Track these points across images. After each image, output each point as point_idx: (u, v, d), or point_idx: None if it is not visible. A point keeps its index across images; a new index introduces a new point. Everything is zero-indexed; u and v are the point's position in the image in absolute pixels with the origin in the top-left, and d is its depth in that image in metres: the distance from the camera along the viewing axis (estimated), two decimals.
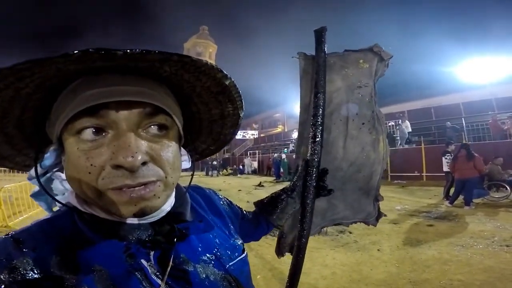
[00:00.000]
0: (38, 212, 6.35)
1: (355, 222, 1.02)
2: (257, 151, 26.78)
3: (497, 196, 7.53)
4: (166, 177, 0.44)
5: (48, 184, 0.51)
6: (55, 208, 0.53)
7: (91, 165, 0.40)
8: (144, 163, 0.41)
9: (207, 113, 0.57)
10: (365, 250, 4.14)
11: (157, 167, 0.43)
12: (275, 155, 20.31)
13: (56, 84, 0.41)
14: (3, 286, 0.37)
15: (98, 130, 0.41)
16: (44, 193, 0.51)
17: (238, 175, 22.51)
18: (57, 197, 0.50)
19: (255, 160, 25.50)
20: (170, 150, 0.45)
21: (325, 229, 1.01)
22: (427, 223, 5.57)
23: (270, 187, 12.84)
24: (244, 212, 0.83)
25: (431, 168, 12.45)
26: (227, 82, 0.48)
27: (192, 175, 0.59)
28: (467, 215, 6.10)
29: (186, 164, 0.59)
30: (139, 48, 0.36)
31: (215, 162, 24.58)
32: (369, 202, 1.00)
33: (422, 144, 13.89)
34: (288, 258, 0.88)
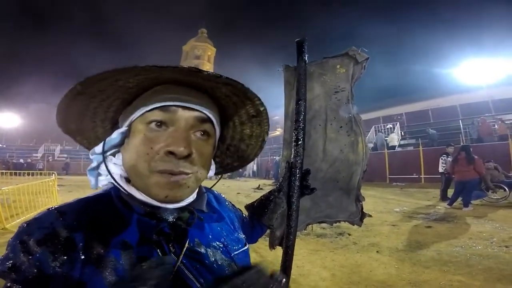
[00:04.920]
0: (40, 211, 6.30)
1: (339, 221, 1.06)
2: None
3: (495, 198, 7.55)
4: (197, 172, 0.55)
5: (100, 164, 0.61)
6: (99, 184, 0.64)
7: (151, 148, 0.51)
8: (188, 156, 0.52)
9: (240, 132, 0.70)
10: (364, 252, 4.13)
11: (195, 163, 0.54)
12: (276, 158, 20.29)
13: (148, 85, 0.55)
14: (43, 248, 0.44)
15: (162, 124, 0.53)
16: (96, 170, 0.62)
17: (237, 178, 22.46)
18: (102, 177, 0.61)
19: (254, 163, 25.44)
20: (207, 153, 0.57)
21: (311, 226, 1.06)
22: (426, 225, 5.58)
23: (268, 190, 12.80)
24: (244, 215, 0.88)
25: (429, 170, 12.50)
26: (261, 109, 0.61)
27: (216, 182, 0.79)
28: (466, 217, 6.11)
29: (211, 172, 0.69)
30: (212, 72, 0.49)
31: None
32: (351, 202, 1.03)
33: (420, 146, 13.94)
34: None
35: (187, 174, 0.53)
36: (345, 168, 0.97)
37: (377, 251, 4.14)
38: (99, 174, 0.62)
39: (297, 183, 0.82)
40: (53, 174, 8.97)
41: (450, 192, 7.74)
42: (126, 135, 0.57)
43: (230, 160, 0.79)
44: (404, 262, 3.68)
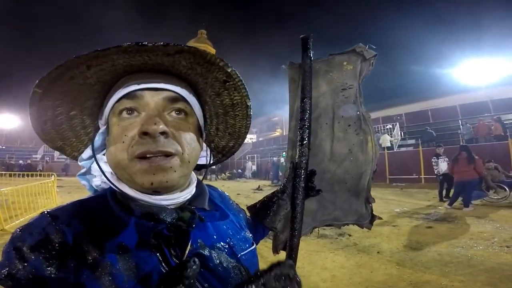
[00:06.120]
0: (34, 216, 6.28)
1: (347, 224, 1.01)
2: (255, 155, 26.76)
3: (496, 197, 7.54)
4: (183, 153, 0.52)
5: (90, 166, 0.61)
6: (94, 183, 0.62)
7: (125, 135, 0.50)
8: (164, 134, 0.50)
9: (221, 105, 0.65)
10: (365, 253, 4.12)
11: (176, 142, 0.52)
12: (274, 158, 20.28)
13: (110, 80, 0.54)
14: (36, 255, 0.42)
15: (133, 111, 0.52)
16: (87, 174, 0.62)
17: (237, 179, 22.43)
18: (95, 178, 0.60)
19: (254, 164, 25.46)
20: (187, 131, 0.55)
21: (317, 229, 1.01)
22: (426, 225, 5.57)
23: (268, 190, 12.78)
24: (247, 216, 0.86)
25: (429, 170, 12.49)
26: (229, 70, 0.55)
27: (207, 168, 0.69)
28: (466, 217, 6.10)
29: (203, 160, 0.67)
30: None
31: (213, 166, 24.40)
32: (360, 204, 0.99)
33: (420, 147, 13.94)
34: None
35: (168, 155, 0.50)
36: (354, 168, 0.94)
37: (378, 252, 4.13)
38: (92, 176, 0.61)
39: (302, 184, 0.79)
40: (53, 175, 8.95)
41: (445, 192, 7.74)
42: (106, 134, 0.56)
43: (224, 142, 0.74)
44: (405, 263, 3.67)
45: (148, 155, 0.49)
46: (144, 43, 0.45)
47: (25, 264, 0.42)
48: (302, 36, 0.84)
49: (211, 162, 0.71)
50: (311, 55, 0.84)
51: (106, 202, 0.54)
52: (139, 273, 0.46)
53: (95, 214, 0.51)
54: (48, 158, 28.38)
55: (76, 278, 0.43)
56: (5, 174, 13.58)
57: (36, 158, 28.76)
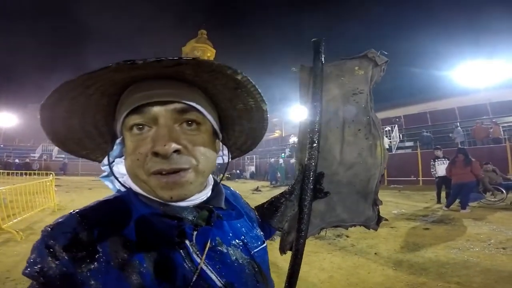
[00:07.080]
0: (32, 215, 6.27)
1: (354, 226, 1.03)
2: (254, 156, 26.77)
3: (493, 200, 7.58)
4: (197, 165, 0.52)
5: (112, 170, 0.62)
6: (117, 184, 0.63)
7: (139, 153, 0.50)
8: (177, 151, 0.49)
9: (233, 109, 0.63)
10: (362, 254, 4.13)
11: (190, 156, 0.51)
12: (271, 160, 20.29)
13: (115, 91, 0.53)
14: (66, 255, 0.43)
15: (144, 126, 0.51)
16: (110, 175, 0.62)
17: (236, 180, 22.42)
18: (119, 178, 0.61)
19: (252, 165, 25.46)
20: (201, 142, 0.53)
21: (323, 231, 1.02)
22: (423, 227, 5.59)
23: (267, 191, 12.81)
24: (256, 215, 0.87)
25: (427, 172, 12.54)
26: (239, 77, 0.52)
27: (226, 167, 0.70)
28: (463, 219, 6.13)
29: (225, 158, 0.69)
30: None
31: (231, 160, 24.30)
32: (368, 206, 1.00)
33: (418, 149, 14.00)
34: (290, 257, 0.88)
35: (183, 170, 0.50)
36: (363, 172, 0.94)
37: (375, 253, 4.14)
38: (115, 177, 0.62)
39: (310, 186, 0.80)
40: (51, 175, 8.92)
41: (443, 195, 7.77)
42: (123, 145, 0.56)
43: (242, 140, 0.74)
44: (402, 264, 3.69)
45: (163, 172, 0.49)
46: (134, 61, 0.42)
47: (57, 262, 0.43)
48: (313, 39, 0.84)
49: (230, 159, 0.72)
50: (323, 58, 0.84)
51: (130, 201, 0.55)
52: (165, 271, 0.48)
53: (120, 213, 0.52)
54: (46, 156, 28.27)
55: (105, 278, 0.44)
56: (2, 172, 13.50)
57: (34, 156, 28.62)
